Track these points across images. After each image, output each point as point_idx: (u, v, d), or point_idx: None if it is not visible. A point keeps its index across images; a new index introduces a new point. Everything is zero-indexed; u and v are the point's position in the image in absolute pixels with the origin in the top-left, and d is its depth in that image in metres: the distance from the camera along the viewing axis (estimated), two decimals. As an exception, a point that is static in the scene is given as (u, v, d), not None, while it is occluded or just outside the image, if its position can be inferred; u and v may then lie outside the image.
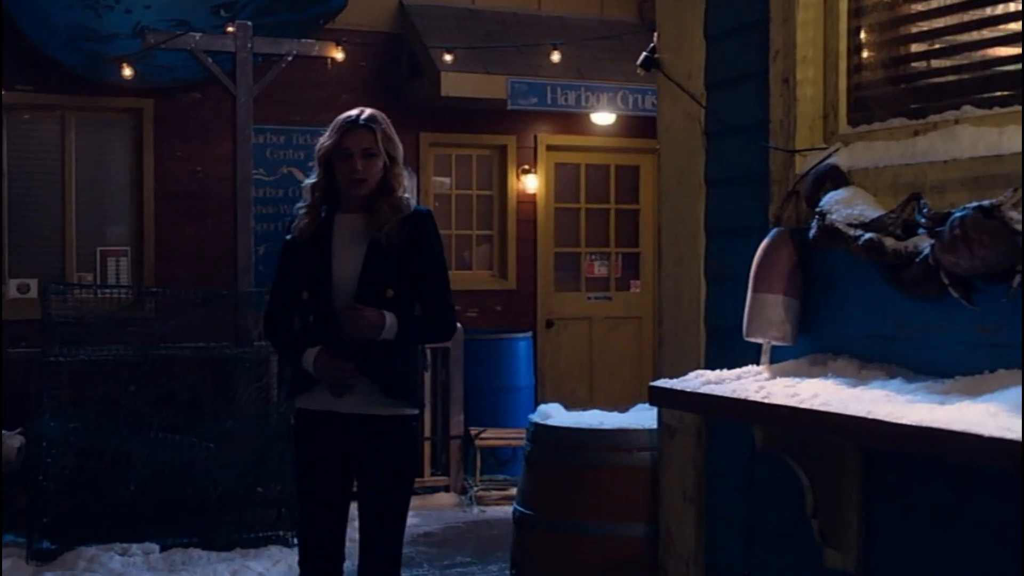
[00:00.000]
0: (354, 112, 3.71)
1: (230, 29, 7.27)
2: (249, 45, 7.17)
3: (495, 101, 8.66)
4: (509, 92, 8.52)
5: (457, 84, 8.46)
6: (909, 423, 2.42)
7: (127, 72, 7.66)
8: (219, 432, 6.66)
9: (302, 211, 3.71)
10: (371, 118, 3.67)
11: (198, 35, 7.28)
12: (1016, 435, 2.20)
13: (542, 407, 4.69)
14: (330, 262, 3.65)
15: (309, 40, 7.67)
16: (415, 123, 8.98)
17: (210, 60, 7.27)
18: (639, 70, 3.91)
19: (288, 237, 3.77)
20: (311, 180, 3.73)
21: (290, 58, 7.38)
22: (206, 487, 6.41)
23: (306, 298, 3.68)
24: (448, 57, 8.23)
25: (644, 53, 3.90)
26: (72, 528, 6.18)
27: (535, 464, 4.42)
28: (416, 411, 3.79)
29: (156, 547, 6.09)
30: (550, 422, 4.42)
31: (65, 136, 8.59)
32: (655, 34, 3.95)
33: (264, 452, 6.60)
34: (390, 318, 3.59)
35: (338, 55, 7.59)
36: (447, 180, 9.54)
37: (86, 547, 5.99)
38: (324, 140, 3.69)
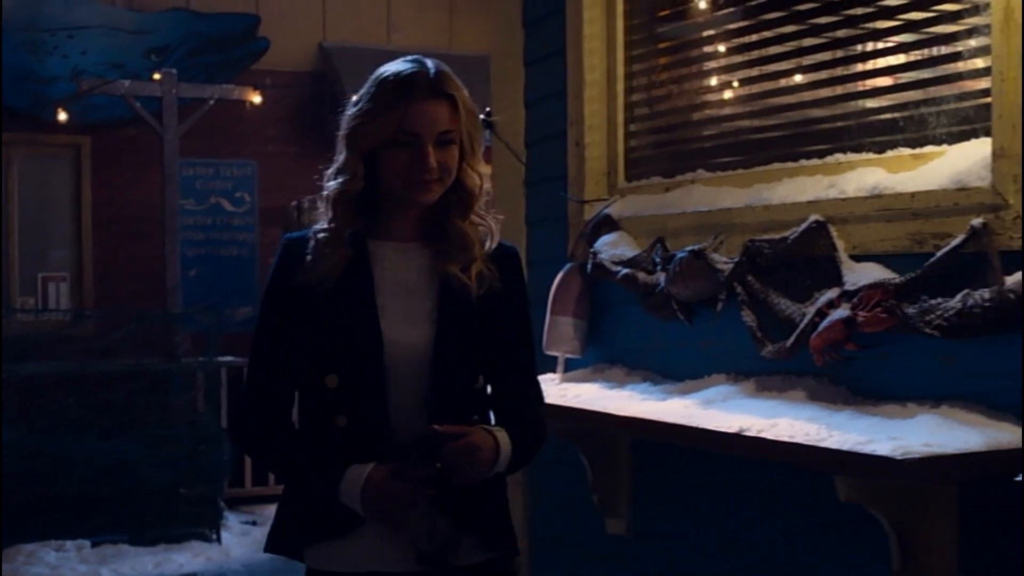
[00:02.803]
0: (410, 63, 2.27)
1: (156, 77, 8.03)
2: (174, 91, 7.94)
3: (406, 135, 9.45)
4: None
5: (370, 121, 9.25)
6: (626, 414, 3.24)
7: (62, 116, 8.40)
8: (150, 438, 7.41)
9: (322, 237, 2.25)
10: (447, 77, 2.26)
11: (127, 82, 8.06)
12: (687, 420, 3.02)
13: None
14: (377, 324, 2.23)
15: (229, 85, 8.43)
16: (334, 155, 9.75)
17: (139, 104, 8.02)
18: (477, 130, 4.72)
19: (274, 280, 2.31)
20: (337, 183, 2.26)
21: (212, 102, 8.13)
22: (136, 488, 7.15)
23: (334, 386, 2.23)
24: (356, 97, 8.99)
25: (481, 116, 4.70)
26: (13, 526, 6.91)
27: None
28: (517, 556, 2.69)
29: (88, 543, 6.83)
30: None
31: (8, 170, 9.31)
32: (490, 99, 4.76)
33: (189, 456, 7.37)
34: (503, 442, 2.24)
35: (256, 99, 8.36)
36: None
37: (25, 544, 6.73)
38: (364, 112, 2.25)
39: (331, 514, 2.23)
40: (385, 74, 2.28)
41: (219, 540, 7.12)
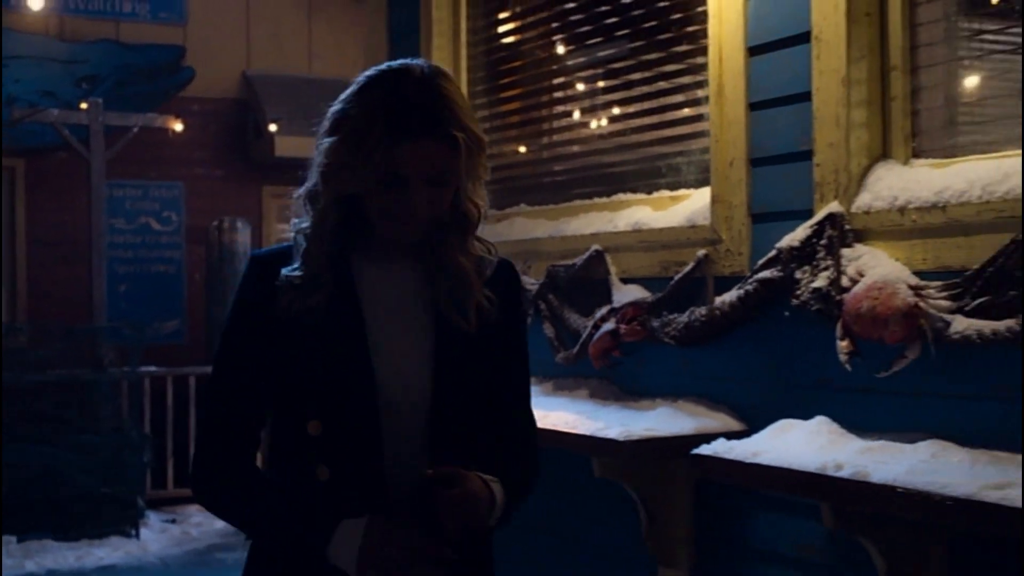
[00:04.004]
0: (411, 88, 1.87)
1: (84, 106, 8.60)
2: (100, 119, 8.50)
3: (325, 159, 10.08)
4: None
5: (289, 146, 9.82)
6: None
7: (-7, 143, 8.95)
8: (77, 443, 7.95)
9: (296, 277, 1.93)
10: (447, 105, 1.87)
11: (56, 111, 8.61)
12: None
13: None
14: (368, 364, 1.92)
15: (152, 114, 8.99)
16: (259, 177, 10.36)
17: (67, 132, 8.57)
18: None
19: (241, 306, 1.99)
20: (309, 226, 1.94)
21: (136, 130, 8.70)
22: (63, 489, 7.70)
23: (318, 433, 1.91)
24: (273, 126, 9.61)
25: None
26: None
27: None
28: None
29: (14, 539, 7.37)
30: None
31: (-57, 192, 9.84)
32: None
33: (113, 459, 7.91)
34: (498, 495, 1.95)
35: (178, 127, 8.94)
36: (287, 227, 10.92)
37: (-50, 541, 7.26)
38: (345, 150, 1.87)
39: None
40: (373, 93, 1.87)
41: (138, 536, 7.68)
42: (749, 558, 3.22)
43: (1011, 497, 2.13)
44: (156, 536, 7.81)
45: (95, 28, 9.92)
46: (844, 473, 2.44)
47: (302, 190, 1.97)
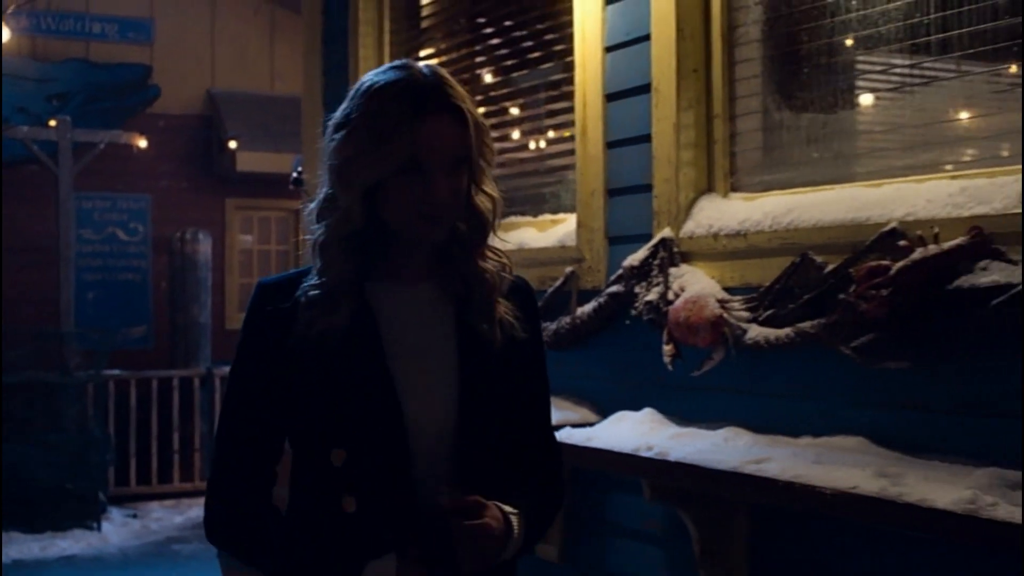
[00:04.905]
0: (399, 71, 1.84)
1: (52, 123, 9.10)
2: (68, 135, 9.01)
3: (284, 175, 10.59)
4: (294, 167, 10.45)
5: (250, 161, 10.36)
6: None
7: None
8: (43, 441, 8.45)
9: (314, 295, 1.85)
10: (449, 83, 1.85)
11: (26, 127, 9.11)
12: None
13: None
14: (392, 390, 1.84)
15: (118, 131, 9.51)
16: (222, 190, 10.89)
17: (36, 147, 9.07)
18: (291, 186, 5.87)
19: (250, 337, 1.91)
20: (327, 226, 1.85)
21: (103, 145, 9.20)
22: (29, 484, 8.19)
23: (341, 463, 1.84)
24: (232, 143, 10.12)
25: (293, 175, 5.86)
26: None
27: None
28: None
29: (-21, 531, 7.87)
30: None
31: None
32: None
33: (76, 457, 8.41)
34: (515, 522, 1.86)
35: (142, 143, 9.45)
36: (250, 238, 11.45)
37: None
38: (362, 138, 1.80)
39: None
40: (378, 85, 1.82)
41: (100, 529, 8.19)
42: (607, 533, 3.73)
43: (765, 469, 2.65)
44: (117, 529, 8.31)
45: (66, 48, 10.44)
46: (651, 453, 2.97)
47: (313, 204, 1.88)
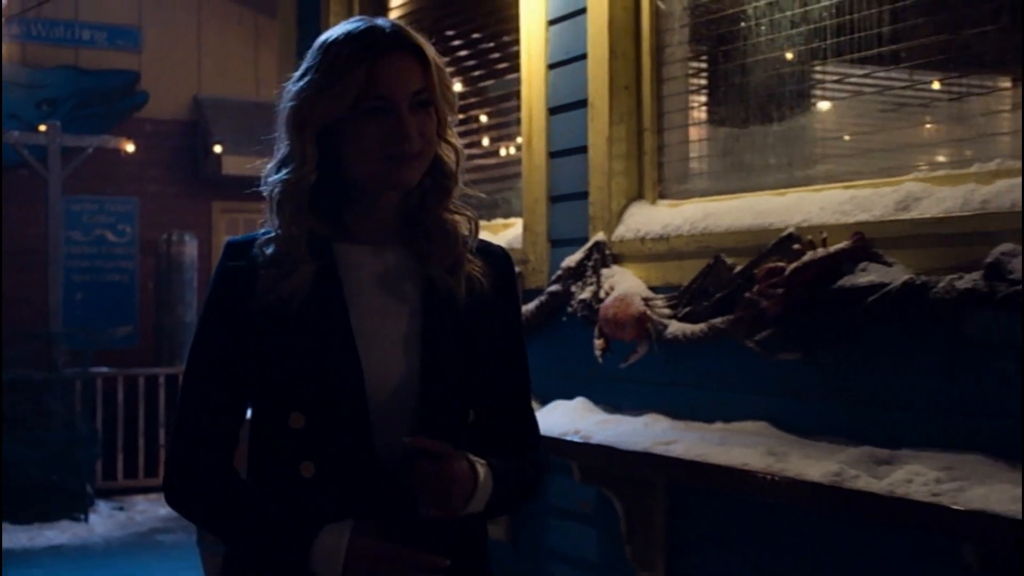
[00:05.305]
0: (358, 21, 1.84)
1: (42, 128, 9.39)
2: (57, 140, 9.29)
3: (270, 178, 10.89)
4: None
5: (235, 165, 10.61)
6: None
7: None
8: (32, 437, 8.73)
9: (272, 252, 1.82)
10: (407, 30, 1.84)
11: (17, 132, 9.39)
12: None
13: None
14: (354, 350, 1.81)
15: (106, 136, 9.79)
16: (209, 193, 11.18)
17: (26, 152, 9.35)
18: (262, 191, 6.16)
19: (215, 297, 1.86)
20: (281, 176, 1.85)
21: (91, 150, 9.49)
22: (18, 478, 8.47)
23: (300, 426, 1.80)
24: (217, 148, 10.41)
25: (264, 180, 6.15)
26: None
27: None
28: None
29: (-30, 522, 8.15)
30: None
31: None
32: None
33: (65, 452, 8.70)
34: (483, 478, 1.83)
35: (130, 148, 9.73)
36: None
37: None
38: (314, 80, 1.80)
39: None
40: (333, 36, 1.81)
41: (86, 520, 8.47)
42: (548, 515, 4.03)
43: (672, 450, 2.95)
44: (103, 521, 8.60)
45: (56, 55, 10.73)
46: (576, 437, 3.27)
47: (270, 165, 1.87)
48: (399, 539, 1.74)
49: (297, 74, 1.82)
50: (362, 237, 1.87)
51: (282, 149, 1.85)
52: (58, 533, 8.14)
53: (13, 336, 9.41)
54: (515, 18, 4.17)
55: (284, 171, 1.83)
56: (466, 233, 1.89)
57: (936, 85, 2.99)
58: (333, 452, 1.79)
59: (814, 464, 2.59)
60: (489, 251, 1.96)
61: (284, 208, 1.83)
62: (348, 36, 1.79)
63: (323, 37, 1.84)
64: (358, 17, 1.85)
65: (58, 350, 9.19)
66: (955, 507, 2.21)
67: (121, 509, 9.03)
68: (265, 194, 1.88)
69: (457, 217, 1.89)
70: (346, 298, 1.82)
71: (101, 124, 10.41)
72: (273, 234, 1.83)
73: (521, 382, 2.01)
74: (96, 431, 9.15)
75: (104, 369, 9.56)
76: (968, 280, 2.50)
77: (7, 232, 10.63)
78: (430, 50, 1.82)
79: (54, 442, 8.78)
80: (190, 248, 10.16)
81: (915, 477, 2.38)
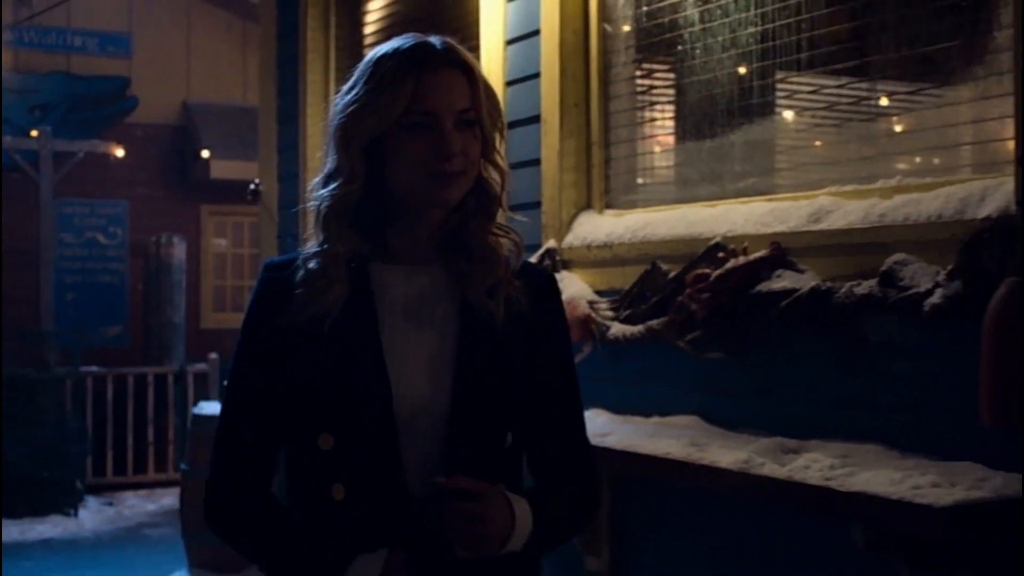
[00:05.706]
0: (409, 37, 1.83)
1: (34, 133, 9.65)
2: (49, 145, 9.56)
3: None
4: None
5: (223, 169, 10.91)
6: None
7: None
8: (24, 434, 8.99)
9: (314, 266, 1.80)
10: (457, 47, 1.83)
11: (9, 137, 9.65)
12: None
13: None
14: (382, 370, 1.79)
15: (96, 140, 10.07)
16: (197, 196, 11.44)
17: (19, 156, 9.62)
18: (249, 197, 6.42)
19: (253, 318, 1.87)
20: (329, 192, 1.81)
21: (82, 154, 9.75)
22: (10, 473, 8.73)
23: (330, 447, 1.79)
24: (205, 152, 10.68)
25: (251, 186, 6.41)
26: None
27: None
28: None
29: (-40, 515, 8.41)
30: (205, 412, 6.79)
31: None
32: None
33: (54, 449, 8.96)
34: (521, 517, 1.78)
35: (119, 153, 10.01)
36: (224, 241, 12.01)
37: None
38: (362, 95, 1.79)
39: None
40: (383, 51, 1.81)
41: (76, 515, 8.75)
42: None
43: (606, 441, 3.21)
44: (92, 515, 8.87)
45: (47, 61, 11.00)
46: (524, 430, 3.52)
47: (317, 179, 1.83)
48: (433, 574, 1.74)
49: (345, 88, 1.83)
50: (401, 256, 1.85)
51: (329, 163, 1.83)
52: (49, 527, 8.41)
53: (5, 335, 9.67)
54: (477, 36, 4.43)
55: (332, 185, 1.81)
56: (507, 255, 1.87)
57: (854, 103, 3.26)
58: (362, 474, 1.77)
59: (727, 453, 2.85)
60: (532, 273, 1.93)
61: (330, 223, 1.81)
62: (397, 51, 1.79)
63: (374, 52, 1.84)
64: (410, 33, 1.85)
65: (50, 349, 9.45)
66: (841, 489, 2.47)
67: (110, 504, 9.29)
68: (312, 209, 1.85)
69: (501, 240, 1.88)
70: (378, 318, 1.81)
71: (92, 128, 10.68)
72: (318, 249, 1.82)
73: (570, 408, 1.98)
74: (86, 428, 9.42)
75: (94, 368, 9.82)
76: (865, 287, 2.76)
77: (4, 233, 10.88)
78: (478, 69, 1.83)
79: (45, 439, 9.05)
80: (179, 250, 10.42)
81: (813, 464, 2.64)
